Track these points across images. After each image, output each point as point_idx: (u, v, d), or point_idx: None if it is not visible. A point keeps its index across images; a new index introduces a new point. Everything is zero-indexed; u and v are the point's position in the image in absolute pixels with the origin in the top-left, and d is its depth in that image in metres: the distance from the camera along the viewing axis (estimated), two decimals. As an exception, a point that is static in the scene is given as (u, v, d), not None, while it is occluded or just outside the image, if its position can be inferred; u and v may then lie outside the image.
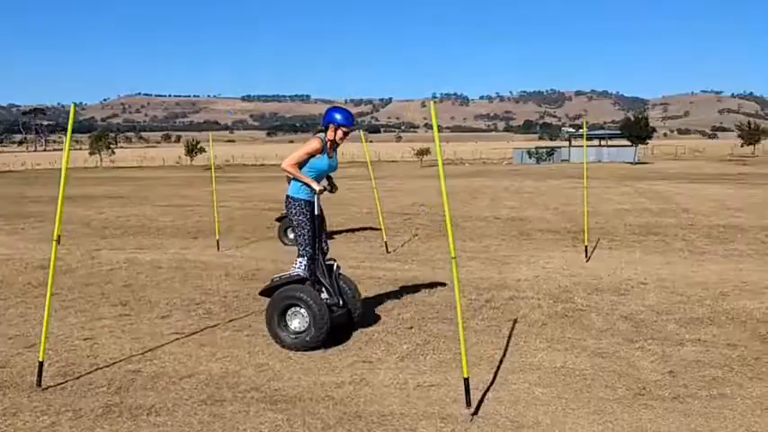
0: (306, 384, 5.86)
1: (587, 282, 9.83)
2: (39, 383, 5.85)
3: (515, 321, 7.75)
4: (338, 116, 7.08)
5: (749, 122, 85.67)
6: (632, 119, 67.67)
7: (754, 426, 4.85)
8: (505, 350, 6.73)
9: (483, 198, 23.78)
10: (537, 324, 7.65)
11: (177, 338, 7.32)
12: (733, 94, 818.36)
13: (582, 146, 63.06)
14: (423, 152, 72.84)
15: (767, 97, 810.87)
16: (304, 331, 6.76)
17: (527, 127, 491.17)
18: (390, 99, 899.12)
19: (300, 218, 7.02)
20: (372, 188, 13.99)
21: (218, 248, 13.29)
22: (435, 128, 5.29)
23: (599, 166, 51.41)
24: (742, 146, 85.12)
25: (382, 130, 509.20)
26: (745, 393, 5.46)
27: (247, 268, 11.30)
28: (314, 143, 7.05)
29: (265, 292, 7.20)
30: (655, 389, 5.60)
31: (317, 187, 7.00)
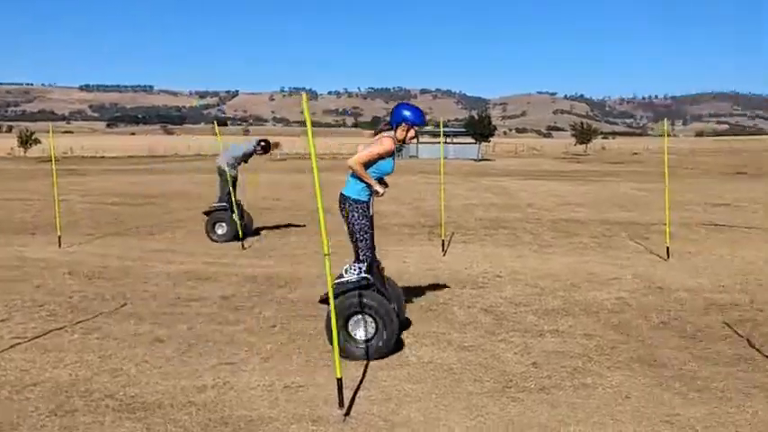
0: (165, 390, 5.49)
1: (446, 275, 9.94)
2: None
3: (380, 317, 7.67)
4: (410, 114, 6.56)
5: (582, 123, 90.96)
6: (476, 117, 69.98)
7: (617, 414, 4.99)
8: (373, 346, 6.63)
9: (336, 193, 23.64)
10: (402, 319, 7.60)
11: (18, 343, 6.69)
12: (566, 95, 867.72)
13: (429, 143, 64.53)
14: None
15: (596, 99, 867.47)
16: (372, 338, 6.26)
17: (375, 123, 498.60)
18: (237, 92, 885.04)
19: (363, 221, 6.52)
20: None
21: (60, 245, 12.40)
22: (309, 121, 5.05)
23: (445, 162, 52.63)
24: (575, 144, 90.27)
25: (229, 122, 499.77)
26: (606, 382, 5.63)
27: (92, 266, 10.59)
28: (388, 144, 6.44)
29: (326, 301, 6.23)
30: (521, 381, 5.67)
31: (381, 190, 6.52)
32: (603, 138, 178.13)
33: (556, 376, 5.77)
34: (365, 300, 6.23)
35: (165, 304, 8.20)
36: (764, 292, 8.96)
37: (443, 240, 12.29)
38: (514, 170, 43.63)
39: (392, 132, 6.63)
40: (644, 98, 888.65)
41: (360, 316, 6.27)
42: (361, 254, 6.53)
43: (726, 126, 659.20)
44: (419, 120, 6.56)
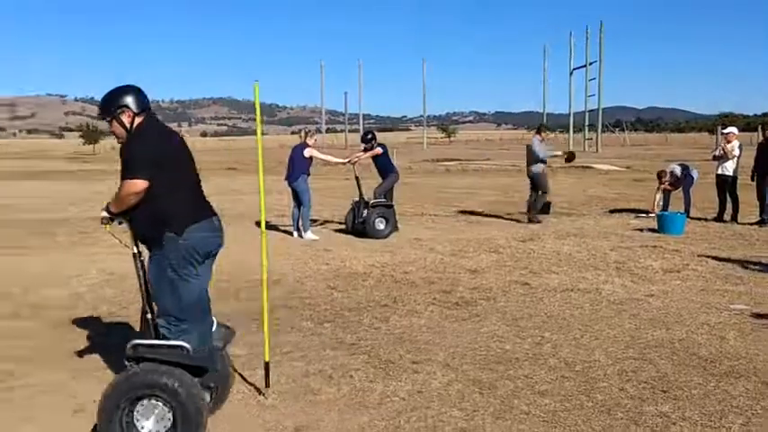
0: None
1: None
2: None
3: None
4: None
5: (88, 124, 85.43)
6: None
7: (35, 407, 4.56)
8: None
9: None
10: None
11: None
12: (76, 97, 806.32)
13: None
14: None
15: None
16: None
17: None
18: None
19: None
20: None
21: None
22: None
23: None
24: (84, 145, 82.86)
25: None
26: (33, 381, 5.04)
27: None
28: None
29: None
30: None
31: None
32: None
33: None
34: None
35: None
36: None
37: None
38: (17, 171, 35.57)
39: None
40: (152, 101, 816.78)
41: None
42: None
43: (225, 127, 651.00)
44: None
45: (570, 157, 14.09)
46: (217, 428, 4.15)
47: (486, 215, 14.58)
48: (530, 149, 13.36)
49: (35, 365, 5.33)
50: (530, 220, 13.04)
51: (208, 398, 4.12)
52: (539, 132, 13.85)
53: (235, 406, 4.47)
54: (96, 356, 5.46)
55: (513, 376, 4.95)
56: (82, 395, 4.64)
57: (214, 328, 4.28)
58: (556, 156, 13.50)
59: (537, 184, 13.32)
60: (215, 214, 4.17)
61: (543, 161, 13.26)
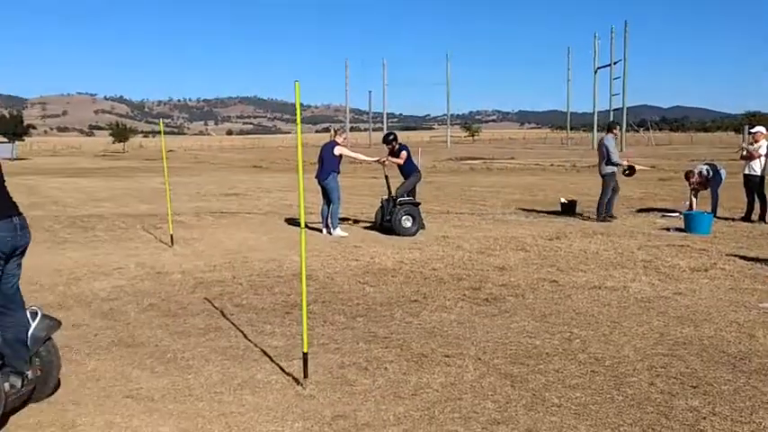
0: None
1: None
2: None
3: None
4: None
5: (118, 123, 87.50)
6: (8, 116, 64.91)
7: (81, 397, 4.61)
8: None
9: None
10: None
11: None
12: (106, 96, 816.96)
13: None
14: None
15: (136, 101, 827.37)
16: None
17: None
18: None
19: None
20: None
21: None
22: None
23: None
24: (114, 143, 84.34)
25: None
26: (81, 369, 5.16)
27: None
28: None
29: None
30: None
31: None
32: (144, 137, 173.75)
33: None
34: None
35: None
36: (246, 267, 8.83)
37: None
38: (49, 168, 39.15)
39: None
40: (179, 100, 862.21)
41: None
42: None
43: (251, 126, 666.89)
44: None
45: (631, 172, 14.03)
46: (257, 417, 4.28)
47: (518, 210, 14.77)
48: (604, 148, 13.20)
49: (78, 352, 5.55)
50: (603, 220, 12.95)
51: (18, 383, 4.24)
52: (610, 130, 13.83)
53: (274, 396, 4.60)
54: (142, 345, 5.70)
55: (543, 370, 5.01)
56: (136, 380, 4.88)
57: (37, 320, 4.37)
58: (620, 165, 13.43)
59: (607, 183, 13.21)
60: (18, 214, 4.24)
61: (614, 164, 13.18)
